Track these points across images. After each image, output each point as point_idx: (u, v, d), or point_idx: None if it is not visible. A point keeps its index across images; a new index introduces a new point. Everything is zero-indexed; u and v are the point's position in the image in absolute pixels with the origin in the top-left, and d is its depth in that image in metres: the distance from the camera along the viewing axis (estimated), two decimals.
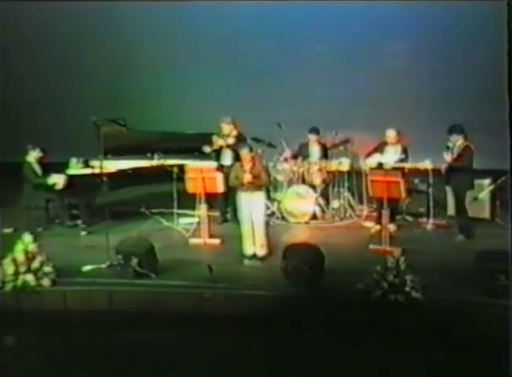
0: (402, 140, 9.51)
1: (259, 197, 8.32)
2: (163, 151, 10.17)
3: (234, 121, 9.91)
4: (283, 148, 10.25)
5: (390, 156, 9.41)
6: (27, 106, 13.69)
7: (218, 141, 9.94)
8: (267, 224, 8.56)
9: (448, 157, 8.76)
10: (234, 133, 9.91)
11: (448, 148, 8.82)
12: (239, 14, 12.88)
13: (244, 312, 7.08)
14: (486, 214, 9.69)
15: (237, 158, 9.07)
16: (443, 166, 8.88)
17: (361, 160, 9.83)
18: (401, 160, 9.30)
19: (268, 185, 8.92)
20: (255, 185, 8.25)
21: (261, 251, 8.33)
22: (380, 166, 9.31)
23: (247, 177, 8.21)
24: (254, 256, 8.34)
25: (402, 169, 8.96)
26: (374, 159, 9.51)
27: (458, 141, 8.79)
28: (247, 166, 8.26)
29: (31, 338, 6.72)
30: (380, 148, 9.58)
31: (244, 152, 8.32)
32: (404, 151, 9.42)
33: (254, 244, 8.33)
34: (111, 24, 13.37)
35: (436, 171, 9.30)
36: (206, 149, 9.98)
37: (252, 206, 8.28)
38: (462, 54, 12.12)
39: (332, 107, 12.26)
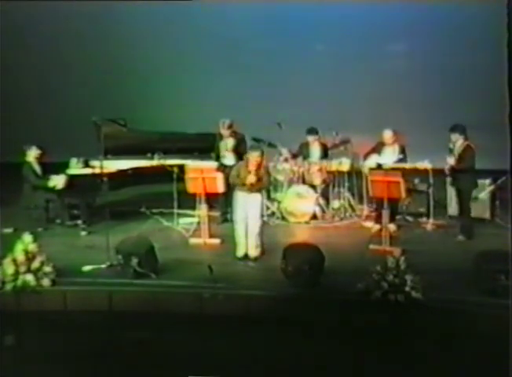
0: (399, 140, 9.51)
1: (256, 198, 8.28)
2: (163, 151, 10.18)
3: (232, 123, 9.88)
4: (280, 151, 10.24)
5: (388, 157, 9.42)
6: (27, 106, 13.70)
7: (221, 147, 9.95)
8: (262, 225, 8.48)
9: (451, 160, 8.77)
10: (233, 134, 9.90)
11: (450, 150, 8.82)
12: (239, 14, 12.90)
13: (244, 313, 7.08)
14: (486, 214, 9.70)
15: (240, 158, 9.09)
16: (446, 168, 8.88)
17: (361, 161, 9.84)
18: (400, 160, 9.31)
19: (268, 188, 8.87)
20: (256, 187, 8.24)
21: (255, 252, 8.31)
22: (379, 167, 9.32)
23: (251, 179, 8.17)
24: (247, 257, 8.32)
25: (402, 169, 8.96)
26: (373, 160, 9.51)
27: (458, 141, 8.80)
28: (253, 167, 8.23)
29: (31, 338, 6.72)
30: (377, 148, 9.59)
31: (255, 155, 8.19)
32: (402, 150, 9.42)
33: (247, 245, 8.32)
34: (111, 24, 13.38)
35: (436, 171, 9.32)
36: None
37: (248, 206, 8.26)
38: (462, 54, 12.14)
39: (332, 107, 12.28)
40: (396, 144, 9.48)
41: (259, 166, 8.23)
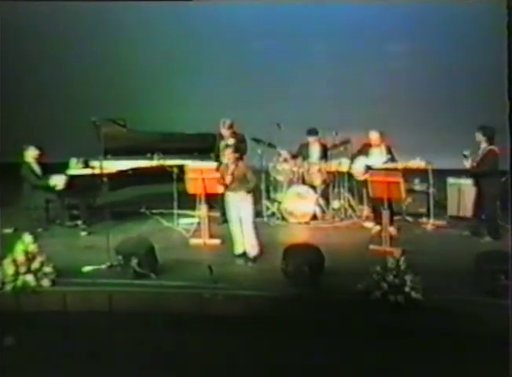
0: (385, 141, 9.50)
1: (246, 198, 8.26)
2: (163, 152, 10.17)
3: (232, 123, 9.87)
4: (280, 151, 10.25)
5: (376, 158, 9.41)
6: (27, 106, 13.70)
7: (221, 147, 9.94)
8: (255, 224, 8.45)
9: (467, 163, 8.78)
10: (234, 135, 9.90)
11: (464, 156, 8.79)
12: (239, 14, 12.90)
13: (244, 313, 7.08)
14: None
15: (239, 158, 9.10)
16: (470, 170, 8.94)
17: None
18: (388, 161, 9.30)
19: (253, 187, 8.44)
20: (241, 187, 8.22)
21: (252, 251, 8.31)
22: (368, 168, 9.31)
23: (228, 179, 8.20)
24: (245, 256, 8.34)
25: (394, 169, 8.94)
26: (361, 163, 9.51)
27: (482, 143, 8.75)
28: (231, 167, 8.25)
29: (31, 338, 6.72)
30: (364, 150, 9.57)
31: (227, 153, 8.29)
32: (389, 151, 9.41)
33: (244, 244, 8.33)
34: (111, 24, 13.38)
35: (434, 171, 9.35)
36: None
37: (239, 206, 8.26)
38: (462, 54, 12.13)
39: (332, 107, 12.27)
40: (382, 144, 9.47)
41: (236, 164, 8.24)
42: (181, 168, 9.76)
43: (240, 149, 9.01)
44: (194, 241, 9.14)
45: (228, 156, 8.28)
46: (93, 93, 13.29)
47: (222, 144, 9.96)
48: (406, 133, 10.96)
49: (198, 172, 9.13)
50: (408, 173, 9.17)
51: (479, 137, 8.78)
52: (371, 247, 8.59)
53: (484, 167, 8.70)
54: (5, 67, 12.66)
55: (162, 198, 10.29)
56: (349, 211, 10.18)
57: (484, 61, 11.16)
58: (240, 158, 8.49)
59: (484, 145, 8.76)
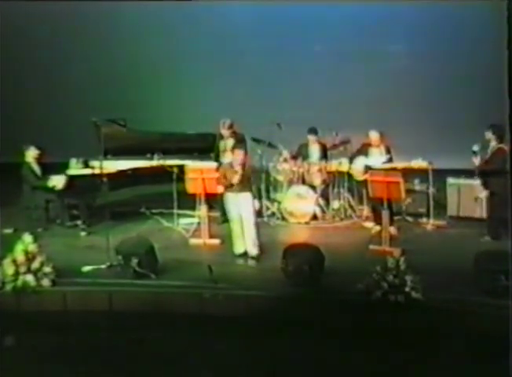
0: (384, 141, 9.50)
1: (246, 197, 8.27)
2: (163, 152, 10.17)
3: (232, 123, 9.86)
4: (281, 151, 10.25)
5: (376, 158, 9.41)
6: (27, 106, 13.70)
7: (221, 147, 9.93)
8: (257, 223, 8.47)
9: (476, 160, 8.73)
10: (234, 135, 9.89)
11: (474, 152, 8.74)
12: (238, 14, 12.91)
13: (244, 313, 7.08)
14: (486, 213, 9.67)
15: None
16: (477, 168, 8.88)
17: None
18: (388, 161, 9.29)
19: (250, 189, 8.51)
20: (244, 188, 8.23)
21: (254, 250, 8.32)
22: (367, 168, 9.30)
23: (236, 178, 8.20)
24: (246, 255, 8.34)
25: (395, 168, 8.94)
26: (360, 162, 9.50)
27: (492, 142, 8.71)
28: (238, 167, 8.25)
29: (31, 338, 6.71)
30: (363, 150, 9.57)
31: (240, 153, 8.30)
32: (388, 151, 9.41)
33: (245, 244, 8.34)
34: (111, 24, 13.40)
35: (434, 171, 9.35)
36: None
37: (240, 206, 8.27)
38: (462, 54, 12.14)
39: (332, 108, 12.27)
40: (382, 145, 9.47)
41: (244, 165, 8.26)
42: (181, 168, 9.76)
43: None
44: (194, 241, 9.14)
45: (239, 156, 8.26)
46: (93, 94, 13.30)
47: (222, 144, 9.98)
48: (406, 133, 10.96)
49: (198, 172, 9.14)
50: (408, 173, 9.17)
51: (489, 135, 8.69)
52: (371, 246, 8.59)
53: (493, 166, 8.66)
54: (5, 66, 12.66)
55: (162, 198, 10.29)
56: (349, 211, 10.18)
57: (484, 61, 11.17)
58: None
59: (493, 143, 8.72)
